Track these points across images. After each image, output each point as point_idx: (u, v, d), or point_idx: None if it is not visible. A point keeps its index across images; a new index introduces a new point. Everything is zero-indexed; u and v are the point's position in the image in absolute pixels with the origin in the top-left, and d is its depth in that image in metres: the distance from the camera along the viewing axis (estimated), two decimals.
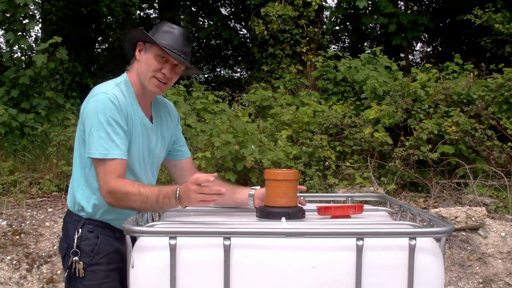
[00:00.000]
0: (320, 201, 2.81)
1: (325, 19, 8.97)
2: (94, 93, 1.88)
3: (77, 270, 1.87)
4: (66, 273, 1.92)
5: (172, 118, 2.14)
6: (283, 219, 1.77)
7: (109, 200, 1.82)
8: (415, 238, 1.47)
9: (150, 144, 2.00)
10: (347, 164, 5.41)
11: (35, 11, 9.17)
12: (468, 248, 4.36)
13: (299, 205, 1.91)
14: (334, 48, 11.32)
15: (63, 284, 4.09)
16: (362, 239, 1.47)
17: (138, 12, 11.86)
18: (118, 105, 1.84)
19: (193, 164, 2.26)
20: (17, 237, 4.34)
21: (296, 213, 1.83)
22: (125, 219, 1.82)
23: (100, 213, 1.92)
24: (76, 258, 1.87)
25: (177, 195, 1.73)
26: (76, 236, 1.89)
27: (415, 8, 11.05)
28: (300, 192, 1.97)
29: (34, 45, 6.75)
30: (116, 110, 1.83)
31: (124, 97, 1.89)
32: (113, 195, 1.80)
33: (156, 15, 13.24)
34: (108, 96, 1.83)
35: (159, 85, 1.92)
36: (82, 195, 1.93)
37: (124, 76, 1.97)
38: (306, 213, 1.91)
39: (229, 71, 15.17)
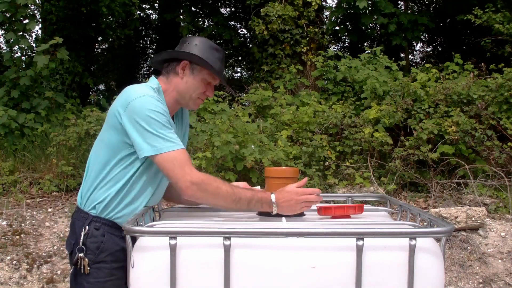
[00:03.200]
0: (320, 201, 2.80)
1: (325, 19, 8.97)
2: (136, 94, 1.85)
3: (82, 267, 1.89)
4: (72, 269, 1.94)
5: (185, 122, 2.18)
6: (283, 219, 1.77)
7: (192, 192, 1.78)
8: (415, 238, 1.47)
9: None
10: (347, 164, 5.41)
11: (35, 11, 9.18)
12: (468, 248, 4.36)
13: None
14: (334, 48, 11.33)
15: (63, 284, 4.10)
16: (362, 239, 1.47)
17: (138, 12, 11.87)
18: (164, 109, 1.87)
19: None
20: (17, 237, 4.34)
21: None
22: None
23: (114, 212, 1.93)
24: (82, 254, 1.88)
25: (275, 203, 1.82)
26: (82, 233, 1.90)
27: (415, 8, 11.05)
28: None
29: (34, 45, 6.76)
30: (164, 111, 1.85)
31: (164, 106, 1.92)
32: (200, 187, 1.77)
33: (156, 15, 13.25)
34: (155, 98, 1.85)
35: (200, 104, 2.03)
36: (103, 194, 1.92)
37: (156, 83, 1.98)
38: (306, 213, 1.91)
39: (229, 71, 15.19)
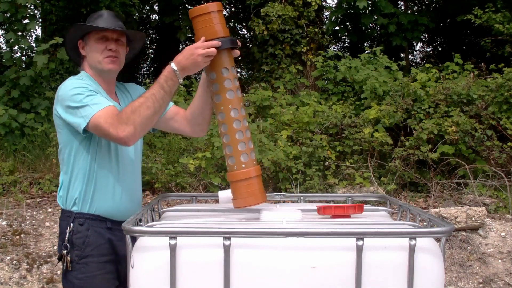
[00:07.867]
0: (320, 201, 2.81)
1: (325, 19, 8.97)
2: (61, 85, 1.96)
3: (65, 263, 1.91)
4: (62, 268, 1.96)
5: (136, 93, 2.19)
6: (284, 219, 1.76)
7: (127, 133, 1.78)
8: (415, 238, 1.47)
9: None
10: (347, 164, 5.41)
11: (35, 11, 9.17)
12: (468, 248, 4.36)
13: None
14: (334, 48, 11.32)
15: None
16: (362, 239, 1.47)
17: (137, 14, 11.83)
18: (87, 83, 1.93)
19: (179, 107, 2.27)
20: (17, 237, 4.34)
21: (230, 41, 1.81)
22: (119, 207, 1.95)
23: (95, 203, 1.96)
24: (65, 251, 1.91)
25: (175, 68, 1.79)
26: (67, 231, 1.93)
27: (415, 8, 11.05)
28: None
29: (34, 45, 6.75)
30: (88, 84, 1.93)
31: (91, 84, 1.99)
32: (127, 123, 1.78)
33: (156, 17, 13.23)
34: (75, 78, 1.96)
35: (111, 60, 2.01)
36: (78, 189, 1.96)
37: (81, 72, 2.07)
38: (305, 213, 1.91)
39: None
